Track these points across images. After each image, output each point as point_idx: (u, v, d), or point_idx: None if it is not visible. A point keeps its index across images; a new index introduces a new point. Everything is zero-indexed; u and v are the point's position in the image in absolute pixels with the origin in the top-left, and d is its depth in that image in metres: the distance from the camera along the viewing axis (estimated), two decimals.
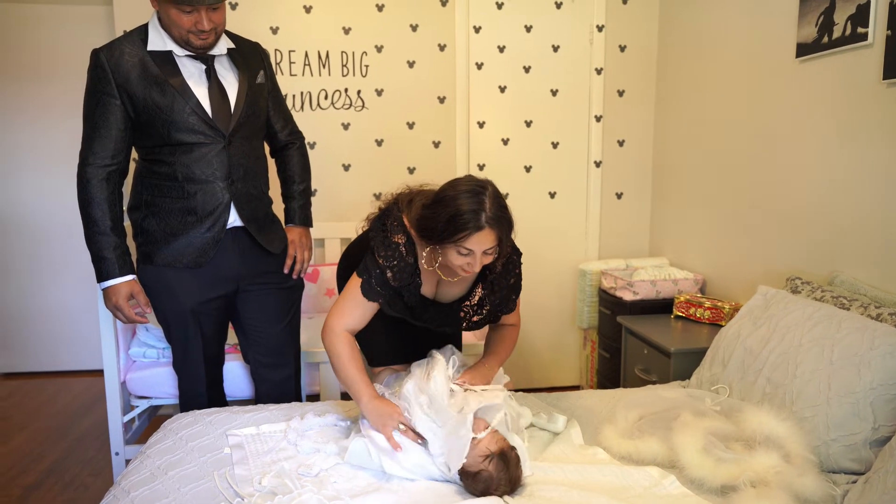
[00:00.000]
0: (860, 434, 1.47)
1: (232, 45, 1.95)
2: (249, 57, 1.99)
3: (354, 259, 1.90)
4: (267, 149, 2.15)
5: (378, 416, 1.55)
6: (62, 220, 3.65)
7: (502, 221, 1.49)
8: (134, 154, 1.95)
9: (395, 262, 1.59)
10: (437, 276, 1.67)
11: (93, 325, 3.66)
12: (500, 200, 1.50)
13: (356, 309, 1.63)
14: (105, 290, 1.89)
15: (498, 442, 1.43)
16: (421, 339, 1.83)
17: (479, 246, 1.48)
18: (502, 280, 1.69)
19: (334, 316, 1.64)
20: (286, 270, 2.09)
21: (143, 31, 1.85)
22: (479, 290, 1.71)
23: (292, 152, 2.17)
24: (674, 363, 2.29)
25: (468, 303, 1.72)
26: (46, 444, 2.81)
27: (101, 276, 1.87)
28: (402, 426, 1.53)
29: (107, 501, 1.40)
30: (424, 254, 1.62)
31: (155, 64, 1.81)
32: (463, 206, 1.45)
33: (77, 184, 1.86)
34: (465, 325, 1.75)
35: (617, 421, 1.69)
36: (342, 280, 1.98)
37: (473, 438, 1.42)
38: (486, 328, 1.86)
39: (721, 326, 2.44)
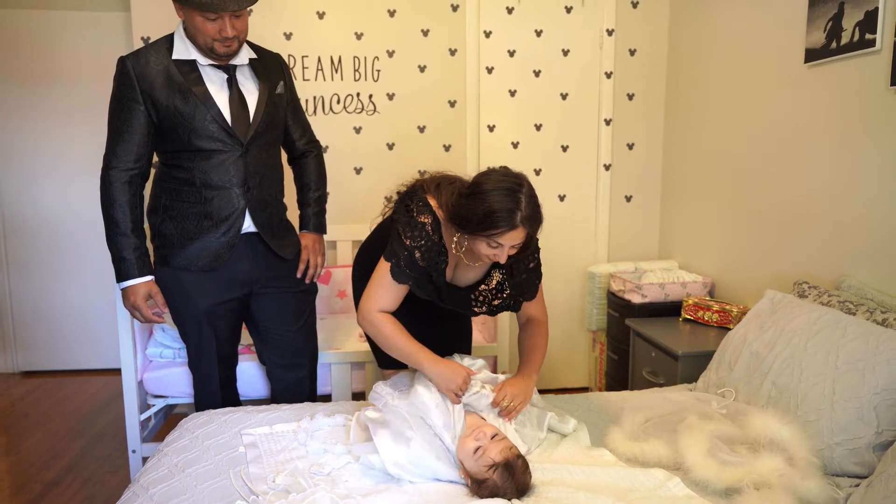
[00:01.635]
0: (864, 438, 1.49)
1: (254, 56, 2.00)
2: (270, 67, 2.04)
3: (370, 257, 1.93)
4: (284, 156, 2.20)
5: (443, 379, 1.60)
6: (81, 222, 3.72)
7: (535, 220, 1.53)
8: (154, 158, 2.00)
9: (423, 242, 1.61)
10: (457, 259, 1.70)
11: (110, 325, 3.72)
12: (534, 199, 1.53)
13: (387, 292, 1.66)
14: (124, 290, 1.95)
15: (503, 452, 1.44)
16: (430, 340, 1.86)
17: (510, 241, 1.52)
18: (521, 264, 1.72)
19: (367, 301, 1.67)
20: (299, 275, 2.13)
21: (168, 40, 1.91)
22: (497, 273, 1.75)
23: (309, 160, 2.22)
24: (681, 366, 2.31)
25: (484, 286, 1.75)
26: (65, 442, 2.87)
27: (121, 277, 1.93)
28: (461, 392, 1.60)
29: (126, 498, 1.45)
30: (455, 238, 1.64)
31: (179, 72, 1.87)
32: (499, 204, 1.48)
33: (100, 186, 1.91)
34: (485, 308, 1.78)
35: (623, 423, 1.72)
36: (358, 282, 1.99)
37: (479, 448, 1.46)
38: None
39: (729, 330, 2.45)
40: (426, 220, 1.62)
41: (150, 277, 1.96)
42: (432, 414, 1.56)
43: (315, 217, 2.21)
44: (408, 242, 1.62)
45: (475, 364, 1.80)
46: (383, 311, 1.67)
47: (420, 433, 1.53)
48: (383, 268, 1.66)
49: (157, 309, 1.99)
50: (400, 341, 1.66)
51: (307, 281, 2.16)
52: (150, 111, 1.87)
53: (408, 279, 1.64)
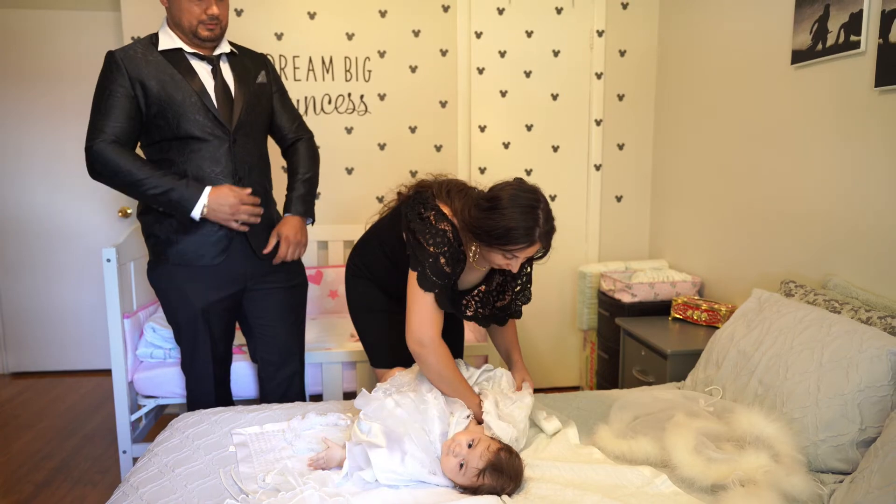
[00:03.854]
0: (847, 435, 1.51)
1: (235, 50, 2.06)
2: (251, 60, 2.09)
3: (364, 255, 1.93)
4: (276, 151, 2.22)
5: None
6: (72, 222, 3.71)
7: (550, 234, 1.57)
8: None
9: (446, 249, 1.61)
10: (468, 265, 1.72)
11: (100, 326, 3.71)
12: (550, 214, 1.57)
13: (428, 310, 1.63)
14: (211, 209, 1.87)
15: (483, 455, 1.44)
16: None
17: (526, 254, 1.56)
18: (522, 268, 1.75)
19: (416, 328, 1.62)
20: (267, 251, 2.05)
21: (153, 36, 1.96)
22: (499, 276, 1.78)
23: (299, 145, 2.22)
24: (670, 365, 2.33)
25: (485, 288, 1.78)
26: (55, 442, 2.86)
27: (190, 204, 1.86)
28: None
29: (116, 498, 1.45)
30: (473, 247, 1.64)
31: (167, 62, 1.91)
32: (519, 222, 1.50)
33: (94, 163, 1.85)
34: (488, 310, 1.81)
35: (612, 421, 1.73)
36: (352, 280, 1.98)
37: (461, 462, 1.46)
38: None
39: (718, 328, 2.47)
40: (446, 228, 1.62)
41: (210, 186, 1.89)
42: (433, 424, 1.55)
43: (299, 200, 2.12)
44: (431, 249, 1.61)
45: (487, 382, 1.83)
46: (438, 332, 1.63)
47: (417, 442, 1.49)
48: (412, 280, 1.63)
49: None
50: (455, 376, 1.67)
51: (275, 262, 2.07)
52: (140, 97, 1.88)
53: (434, 287, 1.61)
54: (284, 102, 2.20)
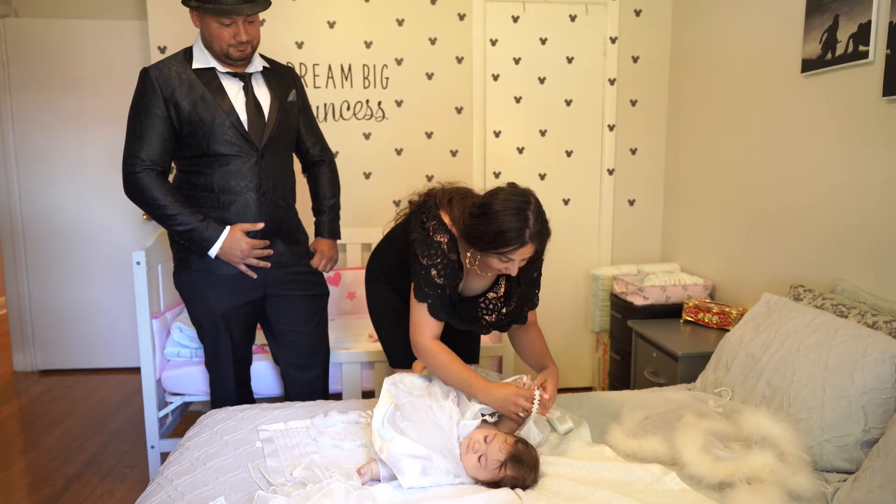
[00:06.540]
0: (852, 435, 1.55)
1: (267, 65, 2.11)
2: (282, 77, 2.15)
3: (382, 261, 2.00)
4: (298, 166, 2.29)
5: (502, 404, 1.63)
6: (98, 224, 3.82)
7: (543, 235, 1.60)
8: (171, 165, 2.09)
9: (439, 261, 1.67)
10: (468, 271, 1.76)
11: (126, 325, 3.82)
12: (542, 215, 1.60)
13: (421, 318, 1.71)
14: (223, 252, 2.00)
15: (503, 448, 1.50)
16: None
17: (520, 256, 1.60)
18: (526, 274, 1.79)
19: (414, 334, 1.73)
20: (313, 265, 2.25)
21: (188, 51, 2.02)
22: (504, 282, 1.82)
23: (323, 170, 2.32)
24: (681, 366, 2.38)
25: (493, 294, 1.82)
26: (84, 438, 2.96)
27: (207, 245, 1.98)
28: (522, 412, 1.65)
29: (152, 489, 1.53)
30: (469, 253, 1.70)
31: (200, 80, 1.97)
32: (508, 224, 1.55)
33: (131, 190, 1.97)
34: (493, 317, 1.83)
35: (623, 421, 1.79)
36: (371, 285, 2.06)
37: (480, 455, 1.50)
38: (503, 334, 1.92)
39: (728, 331, 2.51)
40: (442, 240, 1.67)
41: (228, 227, 2.00)
42: (450, 429, 1.59)
43: (329, 224, 2.32)
44: (424, 262, 1.67)
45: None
46: (434, 336, 1.71)
47: (439, 453, 1.53)
48: (412, 292, 1.72)
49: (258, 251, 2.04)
50: (455, 369, 1.68)
51: (312, 264, 2.26)
52: (173, 117, 1.96)
53: (426, 297, 1.68)
54: (309, 122, 2.28)
